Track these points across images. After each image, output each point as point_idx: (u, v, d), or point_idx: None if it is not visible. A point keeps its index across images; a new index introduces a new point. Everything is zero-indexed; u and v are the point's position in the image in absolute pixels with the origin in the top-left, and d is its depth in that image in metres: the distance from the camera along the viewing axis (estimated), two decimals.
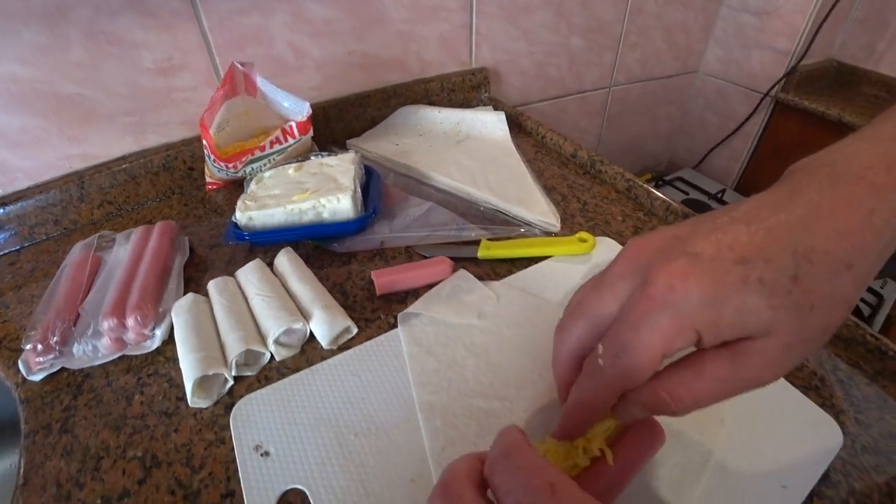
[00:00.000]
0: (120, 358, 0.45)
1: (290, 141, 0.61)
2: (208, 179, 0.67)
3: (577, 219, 0.58)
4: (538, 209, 0.56)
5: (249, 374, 0.42)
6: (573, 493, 0.20)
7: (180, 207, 0.66)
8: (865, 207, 0.22)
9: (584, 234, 0.51)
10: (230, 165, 0.58)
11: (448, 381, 0.39)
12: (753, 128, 1.23)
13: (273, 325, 0.42)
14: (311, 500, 0.33)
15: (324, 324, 0.42)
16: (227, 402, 0.40)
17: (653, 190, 0.61)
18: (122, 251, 0.54)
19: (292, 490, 0.34)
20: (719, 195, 1.20)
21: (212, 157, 0.58)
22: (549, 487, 0.20)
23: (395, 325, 0.45)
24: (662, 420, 0.35)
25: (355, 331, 0.44)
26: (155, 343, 0.45)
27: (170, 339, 0.46)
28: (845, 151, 0.25)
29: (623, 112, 1.21)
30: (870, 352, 0.47)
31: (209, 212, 0.65)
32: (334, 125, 0.75)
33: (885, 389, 0.45)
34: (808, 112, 1.10)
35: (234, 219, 0.54)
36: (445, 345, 0.42)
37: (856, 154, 0.24)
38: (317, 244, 0.54)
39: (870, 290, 1.04)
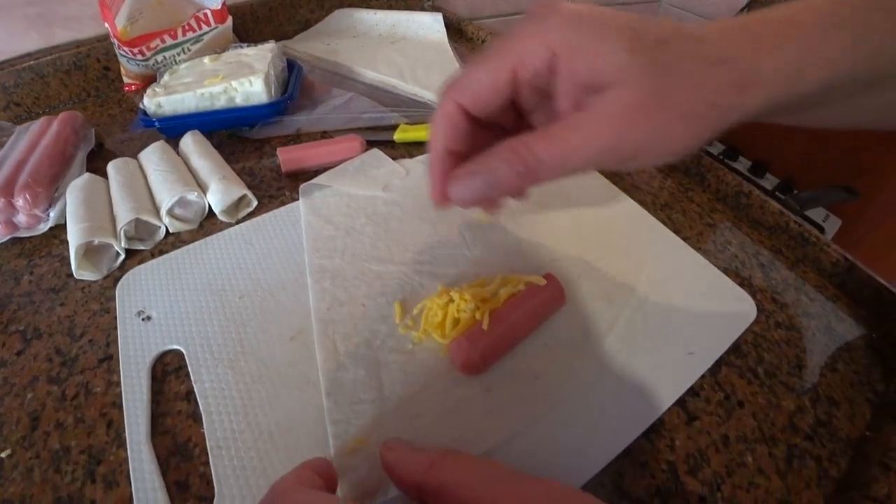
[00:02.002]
0: (13, 242, 0.43)
1: (205, 29, 0.57)
2: (126, 80, 0.63)
3: None
4: None
5: (143, 248, 0.40)
6: None
7: (95, 108, 0.62)
8: (754, 31, 0.22)
9: None
10: (136, 51, 0.54)
11: (343, 247, 0.37)
12: None
13: (167, 195, 0.40)
14: (186, 359, 0.32)
15: (218, 193, 0.40)
16: (118, 275, 0.39)
17: None
18: (21, 141, 0.51)
19: (170, 351, 0.33)
20: None
21: (115, 42, 0.54)
22: None
23: (297, 200, 0.43)
24: (568, 289, 0.35)
25: (255, 203, 0.42)
26: (48, 224, 0.43)
27: (66, 223, 0.43)
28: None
29: None
30: (792, 238, 0.47)
31: (125, 111, 0.61)
32: (264, 27, 0.71)
33: (804, 275, 0.45)
34: None
35: (142, 106, 0.51)
36: (346, 214, 0.40)
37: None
38: (231, 131, 0.52)
39: (811, 222, 1.05)
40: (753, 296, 0.40)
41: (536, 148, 0.22)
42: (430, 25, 0.68)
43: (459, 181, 0.24)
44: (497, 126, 0.27)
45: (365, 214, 0.40)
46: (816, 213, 1.07)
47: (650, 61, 0.21)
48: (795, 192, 1.09)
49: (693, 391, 0.34)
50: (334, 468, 0.24)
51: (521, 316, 0.32)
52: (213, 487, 0.27)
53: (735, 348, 0.37)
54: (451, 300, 0.31)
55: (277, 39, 0.71)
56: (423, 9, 0.83)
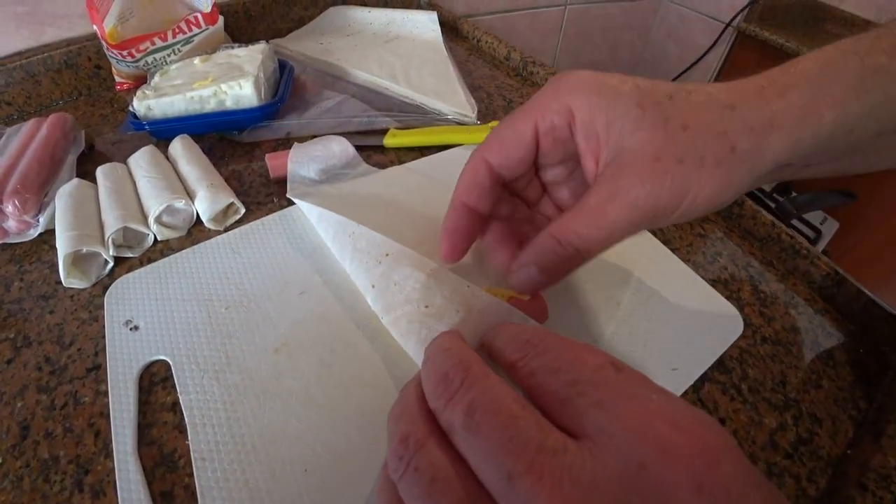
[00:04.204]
0: (3, 248, 0.43)
1: (196, 31, 0.56)
2: (118, 79, 0.63)
3: (499, 115, 0.56)
4: (455, 101, 0.53)
5: (132, 255, 0.40)
6: (628, 368, 0.18)
7: (87, 108, 0.62)
8: (757, 83, 0.23)
9: (497, 123, 0.49)
10: (125, 54, 0.54)
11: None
12: (714, 60, 1.20)
13: (154, 203, 0.40)
14: (173, 370, 0.32)
15: (206, 201, 0.40)
16: (107, 283, 0.39)
17: None
18: (11, 144, 0.51)
19: (157, 361, 0.33)
20: None
21: (104, 44, 0.53)
22: (612, 365, 0.18)
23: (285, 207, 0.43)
24: (551, 303, 0.35)
25: (243, 210, 0.42)
26: (38, 230, 0.43)
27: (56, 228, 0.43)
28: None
29: (580, 34, 1.15)
30: (783, 250, 0.47)
31: (116, 111, 0.60)
32: (257, 24, 0.70)
33: (794, 288, 0.45)
34: (768, 44, 1.07)
35: (132, 108, 0.50)
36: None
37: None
38: (221, 135, 0.51)
39: (808, 224, 1.05)
40: (741, 309, 0.40)
41: (576, 226, 0.23)
42: (425, 25, 0.68)
43: (515, 274, 0.26)
44: (519, 198, 0.31)
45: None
46: (814, 216, 1.06)
47: (659, 116, 0.22)
48: (793, 194, 1.09)
49: None
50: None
51: None
52: (196, 499, 0.27)
53: (719, 364, 0.37)
54: None
55: (271, 38, 0.71)
56: (419, 6, 0.82)
